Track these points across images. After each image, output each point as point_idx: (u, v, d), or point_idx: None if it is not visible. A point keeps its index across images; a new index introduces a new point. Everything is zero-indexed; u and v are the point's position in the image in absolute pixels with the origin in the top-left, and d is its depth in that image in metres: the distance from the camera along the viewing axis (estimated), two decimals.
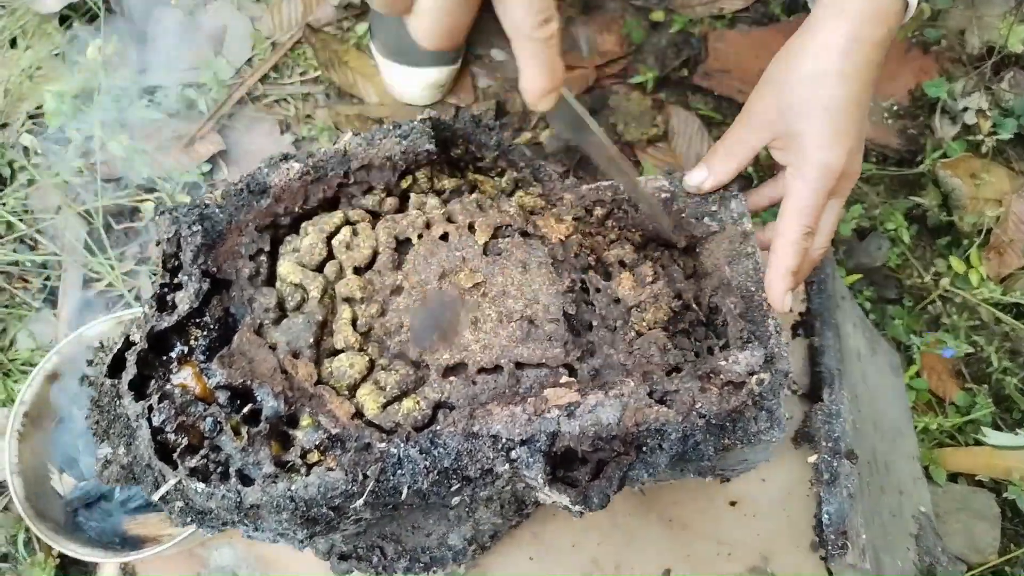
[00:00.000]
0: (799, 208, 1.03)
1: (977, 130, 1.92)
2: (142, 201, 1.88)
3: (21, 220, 1.86)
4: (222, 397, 0.83)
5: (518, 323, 0.92)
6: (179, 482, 0.82)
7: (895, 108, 1.99)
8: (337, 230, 0.95)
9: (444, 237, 0.97)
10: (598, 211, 1.11)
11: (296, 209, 0.95)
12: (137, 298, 1.80)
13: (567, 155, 1.95)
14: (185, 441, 0.82)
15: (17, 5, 2.06)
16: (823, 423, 1.25)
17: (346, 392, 0.87)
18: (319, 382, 0.87)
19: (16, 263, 1.85)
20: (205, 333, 0.88)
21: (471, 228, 0.98)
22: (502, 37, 0.79)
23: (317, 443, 0.83)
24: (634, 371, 0.91)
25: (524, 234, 0.99)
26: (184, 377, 0.85)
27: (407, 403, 0.86)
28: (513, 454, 0.84)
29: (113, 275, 1.81)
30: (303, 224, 0.95)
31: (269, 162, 0.95)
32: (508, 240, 0.98)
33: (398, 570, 1.07)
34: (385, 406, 0.86)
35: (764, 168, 1.90)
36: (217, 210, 0.91)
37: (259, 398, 0.83)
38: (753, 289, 1.05)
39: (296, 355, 0.88)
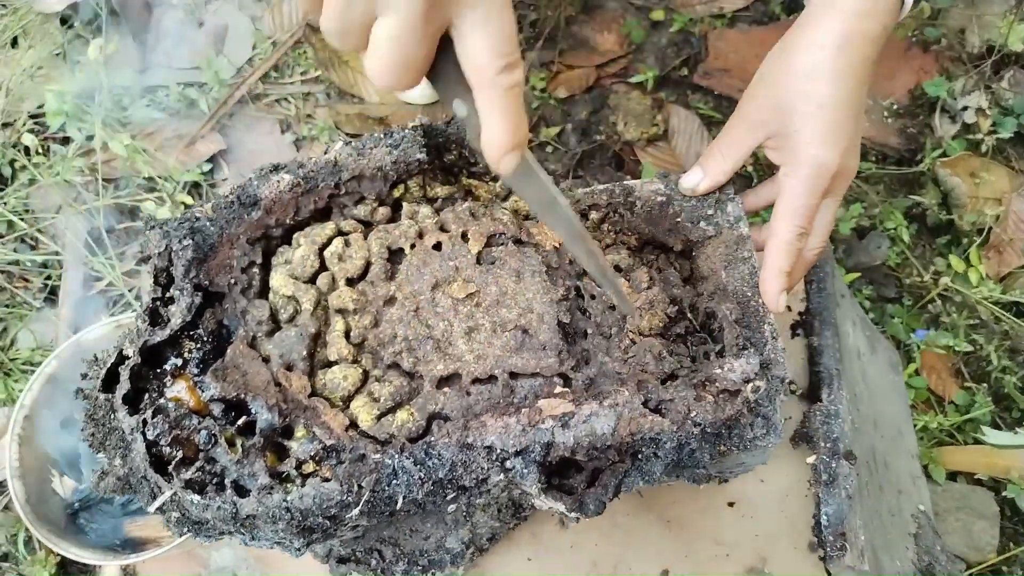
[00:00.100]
0: (792, 208, 1.02)
1: (977, 129, 1.92)
2: (143, 200, 1.88)
3: (22, 219, 1.87)
4: (216, 410, 0.84)
5: (512, 333, 0.92)
6: (175, 494, 0.83)
7: (895, 107, 1.99)
8: (329, 241, 0.94)
9: (437, 246, 0.97)
10: (593, 215, 1.11)
11: (287, 221, 0.95)
12: (138, 297, 1.81)
13: (567, 155, 1.95)
14: (180, 454, 0.82)
15: (19, 5, 2.06)
16: (822, 424, 1.25)
17: (340, 404, 0.88)
18: (313, 394, 0.87)
19: (17, 262, 1.86)
20: (199, 346, 0.88)
21: (464, 237, 0.98)
22: (463, 86, 0.75)
23: (312, 454, 0.83)
24: (629, 379, 0.91)
25: (518, 242, 0.99)
26: (178, 390, 0.85)
27: (401, 414, 0.86)
28: (508, 464, 0.84)
29: (114, 274, 1.81)
30: (295, 235, 0.95)
31: (259, 174, 0.94)
32: (502, 248, 0.98)
33: (396, 573, 1.07)
34: (379, 417, 0.86)
35: (764, 168, 1.90)
36: (208, 223, 0.91)
37: (253, 410, 0.83)
38: (749, 294, 1.05)
39: (290, 367, 0.88)
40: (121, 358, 0.87)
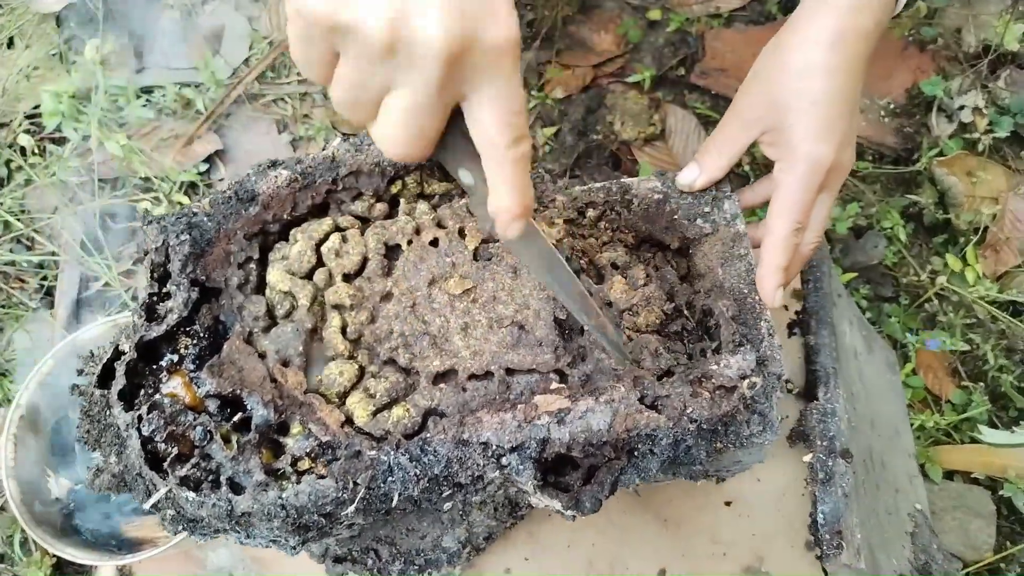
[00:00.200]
0: (788, 203, 1.03)
1: (973, 128, 1.92)
2: (139, 201, 1.88)
3: (18, 220, 1.86)
4: (212, 406, 0.84)
5: (508, 329, 0.92)
6: (170, 491, 0.82)
7: (891, 106, 1.99)
8: (326, 237, 0.94)
9: (434, 243, 0.97)
10: (591, 213, 1.11)
11: (285, 216, 0.95)
12: (134, 298, 1.80)
13: (564, 154, 1.94)
14: (175, 450, 0.82)
15: (16, 4, 2.06)
16: (818, 422, 1.25)
17: (336, 400, 0.87)
18: (309, 390, 0.87)
19: (13, 263, 1.85)
20: (195, 342, 0.88)
21: (461, 233, 0.98)
22: (469, 157, 0.78)
23: (308, 451, 0.83)
24: (625, 376, 0.91)
25: None
26: (174, 386, 0.85)
27: (397, 411, 0.86)
28: (503, 461, 0.84)
29: (110, 275, 1.81)
30: (292, 231, 0.95)
31: (257, 169, 0.94)
32: (498, 245, 0.98)
33: (393, 572, 1.07)
34: (375, 414, 0.86)
35: (761, 167, 1.90)
36: (205, 218, 0.91)
37: (249, 407, 0.83)
38: (746, 291, 1.05)
39: (286, 363, 0.88)
40: (117, 354, 0.87)
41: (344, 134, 1.01)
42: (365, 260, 0.95)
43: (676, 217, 1.10)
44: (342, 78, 0.71)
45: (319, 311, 0.92)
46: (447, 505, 0.89)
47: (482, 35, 0.69)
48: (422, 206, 1.00)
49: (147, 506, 0.83)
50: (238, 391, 0.83)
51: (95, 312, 1.80)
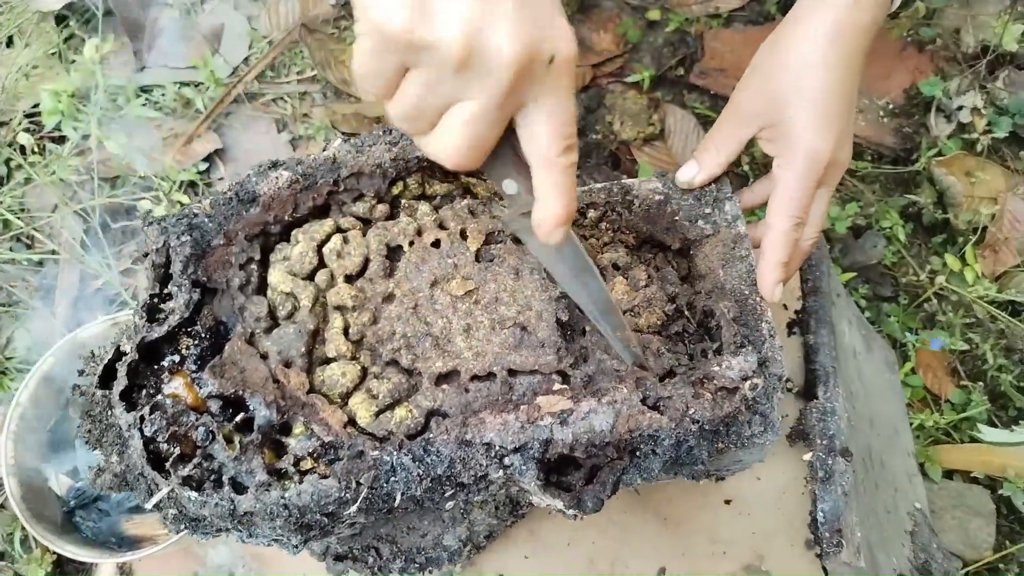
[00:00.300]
0: (788, 199, 1.03)
1: (972, 128, 1.92)
2: (139, 199, 1.88)
3: (18, 218, 1.86)
4: (214, 406, 0.84)
5: (511, 330, 0.92)
6: (172, 491, 0.82)
7: (890, 107, 1.99)
8: (328, 238, 0.94)
9: (436, 244, 0.97)
10: (592, 214, 1.11)
11: (286, 217, 0.95)
12: (134, 296, 1.80)
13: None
14: (177, 450, 0.82)
15: (16, 3, 2.06)
16: (818, 421, 1.25)
17: (338, 400, 0.87)
18: (311, 391, 0.87)
19: (13, 261, 1.85)
20: (196, 343, 0.88)
21: (463, 234, 0.98)
22: (516, 166, 0.81)
23: (310, 451, 0.83)
24: (627, 377, 0.91)
25: (516, 240, 0.99)
26: (176, 387, 0.85)
27: (400, 411, 0.86)
28: (506, 461, 0.84)
29: (110, 273, 1.81)
30: (293, 232, 0.95)
31: (258, 170, 0.94)
32: (500, 246, 0.98)
33: (394, 570, 1.07)
34: (378, 414, 0.86)
35: (760, 168, 1.90)
36: (206, 219, 0.91)
37: (251, 407, 0.83)
38: (747, 292, 1.05)
39: (288, 364, 0.88)
40: (119, 354, 0.87)
41: (345, 135, 1.01)
42: (367, 261, 0.95)
43: (677, 218, 1.10)
44: (409, 92, 0.72)
45: (321, 312, 0.92)
46: (449, 505, 0.90)
47: (548, 49, 0.71)
48: (424, 207, 1.00)
49: (149, 506, 0.83)
50: (240, 392, 0.83)
51: (95, 310, 1.80)
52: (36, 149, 1.94)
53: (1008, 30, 1.91)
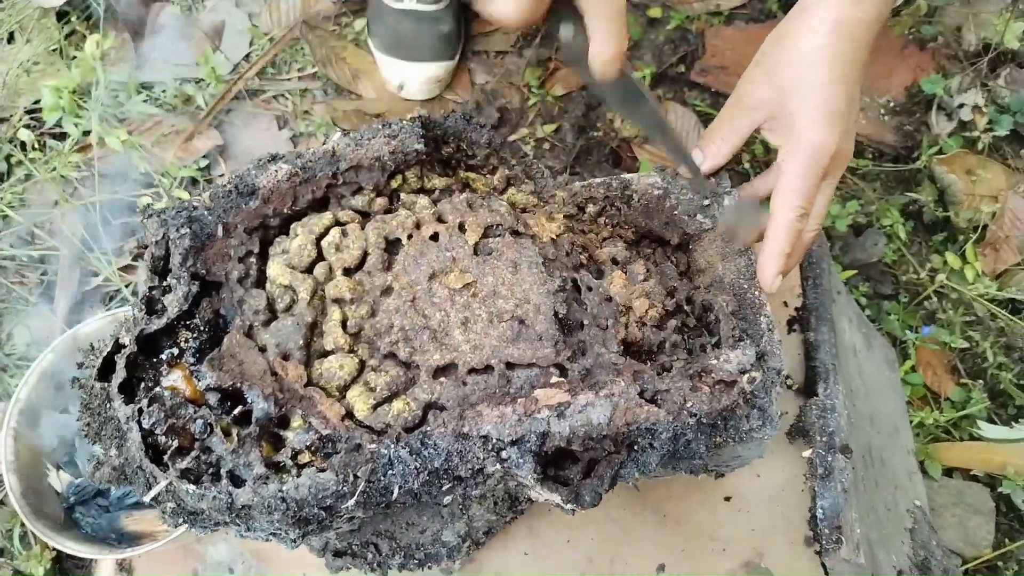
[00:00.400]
0: (792, 189, 1.03)
1: (973, 126, 1.92)
2: (140, 196, 1.88)
3: (18, 214, 1.86)
4: (212, 399, 0.84)
5: (509, 323, 0.92)
6: (170, 484, 0.82)
7: (891, 105, 1.99)
8: (326, 231, 0.95)
9: (434, 237, 0.97)
10: (591, 208, 1.11)
11: (285, 210, 0.95)
12: (134, 293, 1.80)
13: (564, 151, 1.95)
14: (176, 443, 0.82)
15: None
16: (818, 418, 1.25)
17: (336, 393, 0.87)
18: (309, 384, 0.87)
19: (13, 257, 1.85)
20: (195, 335, 0.88)
21: (461, 228, 0.98)
22: (572, 13, 0.89)
23: (308, 444, 0.83)
24: (625, 370, 0.91)
25: (515, 233, 0.99)
26: (174, 379, 0.85)
27: (397, 404, 0.86)
28: (503, 454, 0.84)
29: (110, 270, 1.81)
30: (292, 225, 0.95)
31: (257, 163, 0.95)
32: (499, 239, 0.98)
33: (393, 566, 1.07)
34: (375, 407, 0.86)
35: (761, 165, 1.90)
36: (205, 212, 0.91)
37: (249, 400, 0.83)
38: (746, 286, 1.05)
39: (286, 357, 0.88)
40: (117, 347, 0.87)
41: (344, 130, 1.01)
42: (365, 254, 0.95)
43: (676, 213, 1.10)
44: None
45: (319, 305, 0.92)
46: (447, 499, 0.90)
47: None
48: (422, 201, 1.00)
49: (147, 499, 0.83)
50: (238, 384, 0.83)
51: (95, 307, 1.80)
52: (37, 145, 1.93)
53: (1010, 28, 1.91)
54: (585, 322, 0.97)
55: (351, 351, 0.90)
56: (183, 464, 0.82)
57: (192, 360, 0.87)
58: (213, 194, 0.92)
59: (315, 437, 0.83)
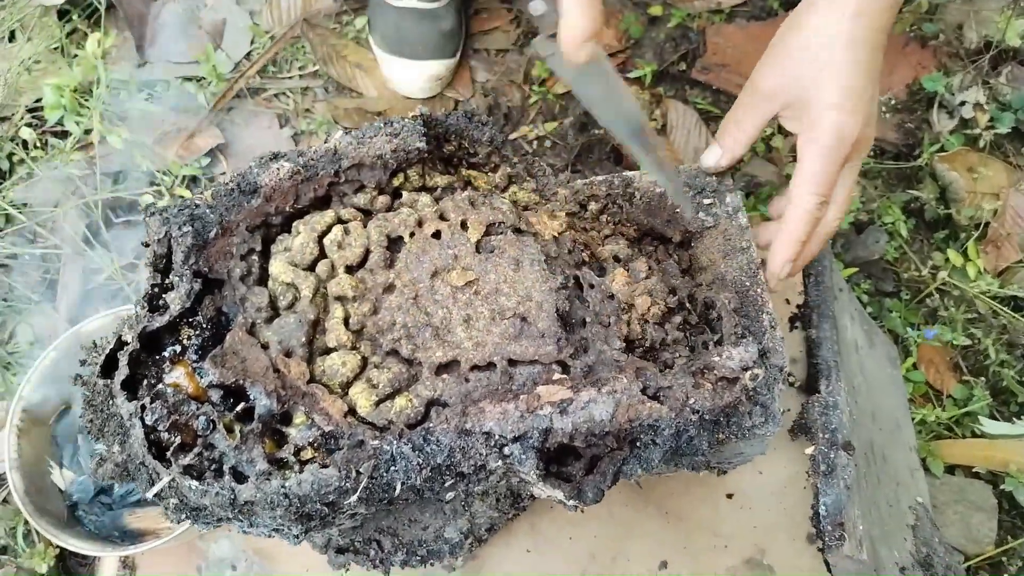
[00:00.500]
0: (813, 175, 1.01)
1: (975, 124, 1.92)
2: (141, 194, 1.88)
3: (21, 213, 1.87)
4: (215, 396, 0.84)
5: (511, 320, 0.92)
6: (173, 480, 0.83)
7: (893, 102, 1.99)
8: (329, 229, 0.95)
9: (436, 235, 0.97)
10: (592, 206, 1.11)
11: (287, 208, 0.95)
12: (137, 291, 1.81)
13: (566, 149, 1.95)
14: (178, 439, 0.82)
15: None
16: (820, 415, 1.25)
17: (339, 390, 0.88)
18: (312, 380, 0.87)
19: (15, 256, 1.85)
20: (197, 332, 0.89)
21: (463, 225, 0.98)
22: None
23: (311, 440, 0.83)
24: (627, 367, 0.91)
25: (517, 231, 0.99)
26: (177, 376, 0.85)
27: (400, 401, 0.86)
28: (506, 451, 0.84)
29: (112, 268, 1.81)
30: (295, 223, 0.95)
31: (259, 161, 0.95)
32: (501, 237, 0.98)
33: (395, 563, 1.07)
34: (378, 404, 0.86)
35: (761, 160, 1.90)
36: (208, 210, 0.91)
37: (252, 397, 0.83)
38: (748, 284, 1.05)
39: (288, 354, 0.88)
40: (120, 344, 0.87)
41: (346, 128, 1.02)
42: (367, 252, 0.95)
43: (678, 210, 1.10)
44: None
45: (322, 302, 0.92)
46: (449, 495, 0.90)
47: None
48: (424, 198, 1.00)
49: (150, 495, 0.84)
50: (241, 381, 0.83)
51: (97, 305, 1.80)
52: (38, 144, 1.94)
53: (1011, 25, 1.91)
54: (587, 319, 0.97)
55: (353, 348, 0.90)
56: (186, 460, 0.82)
57: (195, 357, 0.87)
58: (215, 192, 0.92)
59: (318, 433, 0.83)
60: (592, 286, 1.00)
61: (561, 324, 0.93)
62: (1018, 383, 1.75)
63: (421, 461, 0.83)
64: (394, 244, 0.97)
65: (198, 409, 0.83)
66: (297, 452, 0.83)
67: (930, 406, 1.74)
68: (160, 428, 0.82)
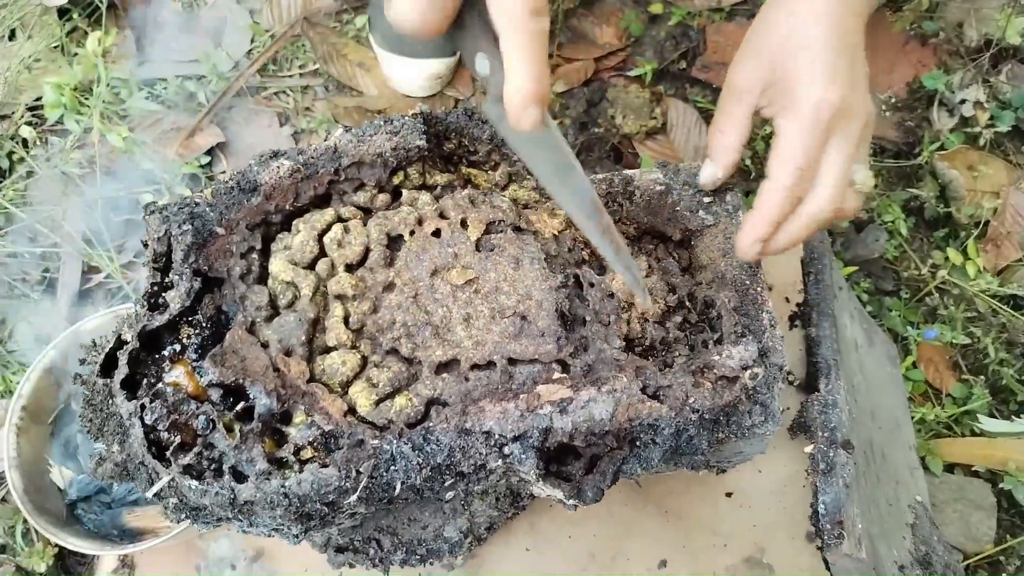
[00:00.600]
0: (788, 148, 0.95)
1: (975, 122, 1.92)
2: (141, 193, 1.88)
3: (21, 211, 1.87)
4: (215, 395, 0.84)
5: (511, 319, 0.92)
6: (172, 479, 0.83)
7: (893, 100, 1.99)
8: (329, 227, 0.95)
9: (436, 233, 0.97)
10: None
11: (287, 207, 0.95)
12: (136, 290, 1.81)
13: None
14: (178, 439, 0.82)
15: None
16: (819, 413, 1.25)
17: (339, 389, 0.88)
18: (311, 380, 0.87)
19: (15, 254, 1.85)
20: (197, 331, 0.88)
21: (463, 224, 0.98)
22: (487, 39, 0.75)
23: (310, 440, 0.83)
24: (627, 366, 0.91)
25: (517, 229, 1.00)
26: (176, 376, 0.85)
27: (400, 400, 0.86)
28: (506, 450, 0.84)
29: (112, 267, 1.81)
30: (294, 221, 0.95)
31: (259, 160, 0.95)
32: (501, 236, 0.98)
33: (395, 562, 1.07)
34: (378, 403, 0.86)
35: (763, 161, 1.90)
36: (208, 208, 0.91)
37: (252, 396, 0.83)
38: (748, 282, 1.05)
39: (288, 353, 0.88)
40: (119, 343, 0.87)
41: (346, 126, 1.01)
42: (367, 250, 0.95)
43: (678, 209, 1.10)
44: None
45: (321, 301, 0.92)
46: (449, 494, 0.90)
47: None
48: (424, 197, 1.00)
49: (150, 494, 0.84)
50: (241, 380, 0.83)
51: (97, 303, 1.81)
52: (38, 142, 1.94)
53: (1011, 24, 1.91)
54: (587, 318, 0.97)
55: (353, 347, 0.90)
56: (185, 460, 0.82)
57: (194, 356, 0.87)
58: (215, 191, 0.92)
59: (317, 433, 0.83)
60: (592, 285, 1.00)
61: (561, 323, 0.93)
62: (1017, 382, 1.75)
63: (421, 460, 0.83)
64: (394, 242, 0.97)
65: (198, 408, 0.83)
66: (297, 451, 0.83)
67: (929, 405, 1.74)
68: (160, 427, 0.82)
